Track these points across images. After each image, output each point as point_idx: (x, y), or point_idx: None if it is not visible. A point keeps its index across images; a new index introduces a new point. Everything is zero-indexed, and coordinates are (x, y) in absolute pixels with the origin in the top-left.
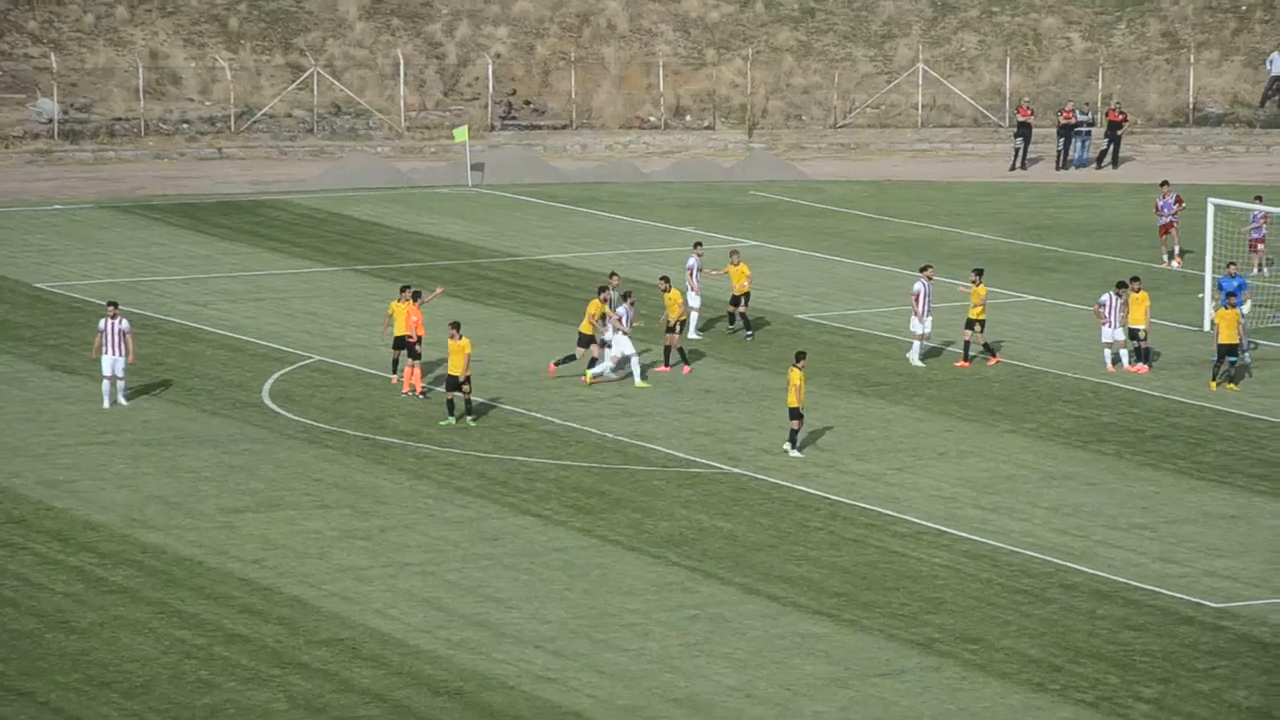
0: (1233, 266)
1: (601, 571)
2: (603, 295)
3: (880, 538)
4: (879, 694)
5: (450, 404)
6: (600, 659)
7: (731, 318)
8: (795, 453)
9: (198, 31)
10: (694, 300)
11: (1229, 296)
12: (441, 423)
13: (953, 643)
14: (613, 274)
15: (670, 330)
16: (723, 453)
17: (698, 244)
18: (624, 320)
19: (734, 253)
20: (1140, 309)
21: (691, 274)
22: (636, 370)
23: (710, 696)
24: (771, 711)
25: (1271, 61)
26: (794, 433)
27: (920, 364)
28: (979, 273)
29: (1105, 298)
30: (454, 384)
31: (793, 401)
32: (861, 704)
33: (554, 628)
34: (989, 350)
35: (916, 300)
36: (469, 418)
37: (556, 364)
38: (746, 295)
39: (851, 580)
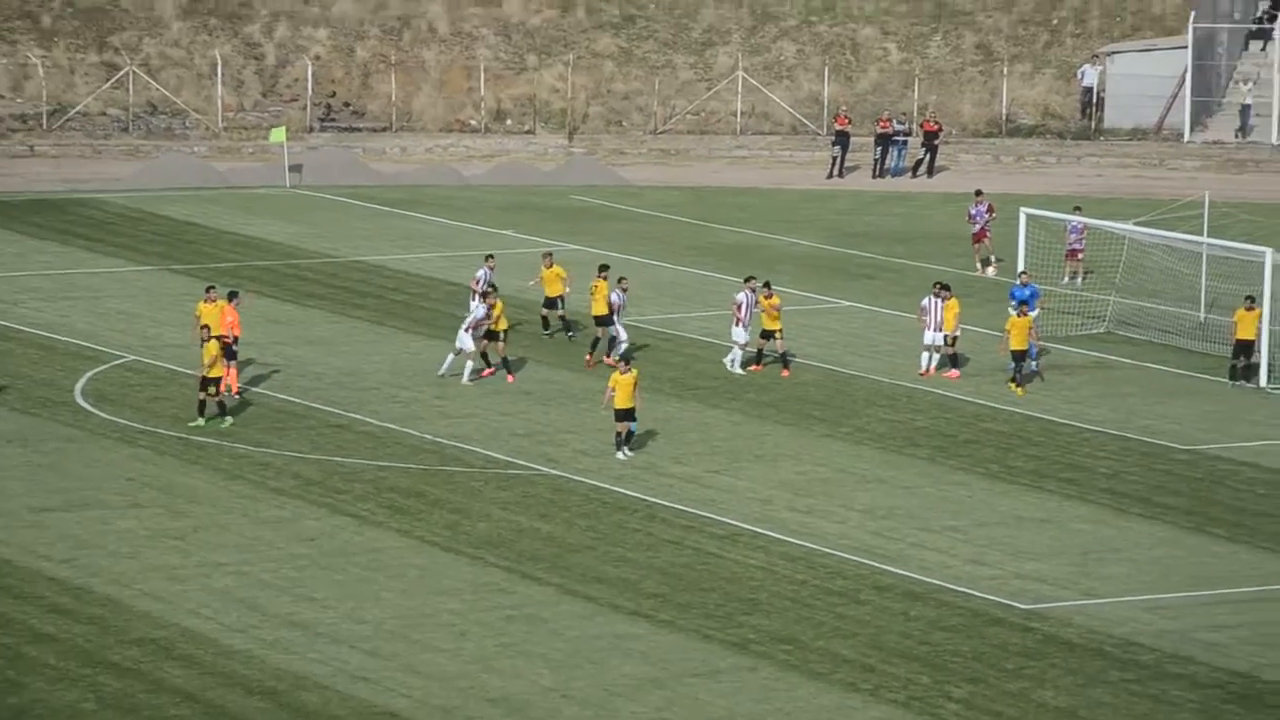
0: (1024, 275)
1: (419, 572)
2: (603, 274)
3: (697, 539)
4: (694, 694)
5: (202, 404)
6: (417, 659)
7: (545, 322)
8: (622, 455)
9: (9, 28)
10: (480, 312)
11: (1021, 305)
12: (190, 424)
13: (768, 643)
14: (489, 255)
15: (493, 338)
16: (541, 454)
17: (489, 256)
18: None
19: (547, 254)
20: (951, 315)
21: (477, 284)
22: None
23: (527, 696)
24: (587, 712)
25: (1083, 74)
26: (618, 435)
27: (740, 371)
28: (768, 285)
29: (926, 301)
30: (205, 384)
31: (622, 403)
32: (677, 704)
33: (370, 628)
34: (784, 360)
35: (739, 309)
36: (221, 419)
37: (591, 354)
38: (562, 297)
39: (668, 581)
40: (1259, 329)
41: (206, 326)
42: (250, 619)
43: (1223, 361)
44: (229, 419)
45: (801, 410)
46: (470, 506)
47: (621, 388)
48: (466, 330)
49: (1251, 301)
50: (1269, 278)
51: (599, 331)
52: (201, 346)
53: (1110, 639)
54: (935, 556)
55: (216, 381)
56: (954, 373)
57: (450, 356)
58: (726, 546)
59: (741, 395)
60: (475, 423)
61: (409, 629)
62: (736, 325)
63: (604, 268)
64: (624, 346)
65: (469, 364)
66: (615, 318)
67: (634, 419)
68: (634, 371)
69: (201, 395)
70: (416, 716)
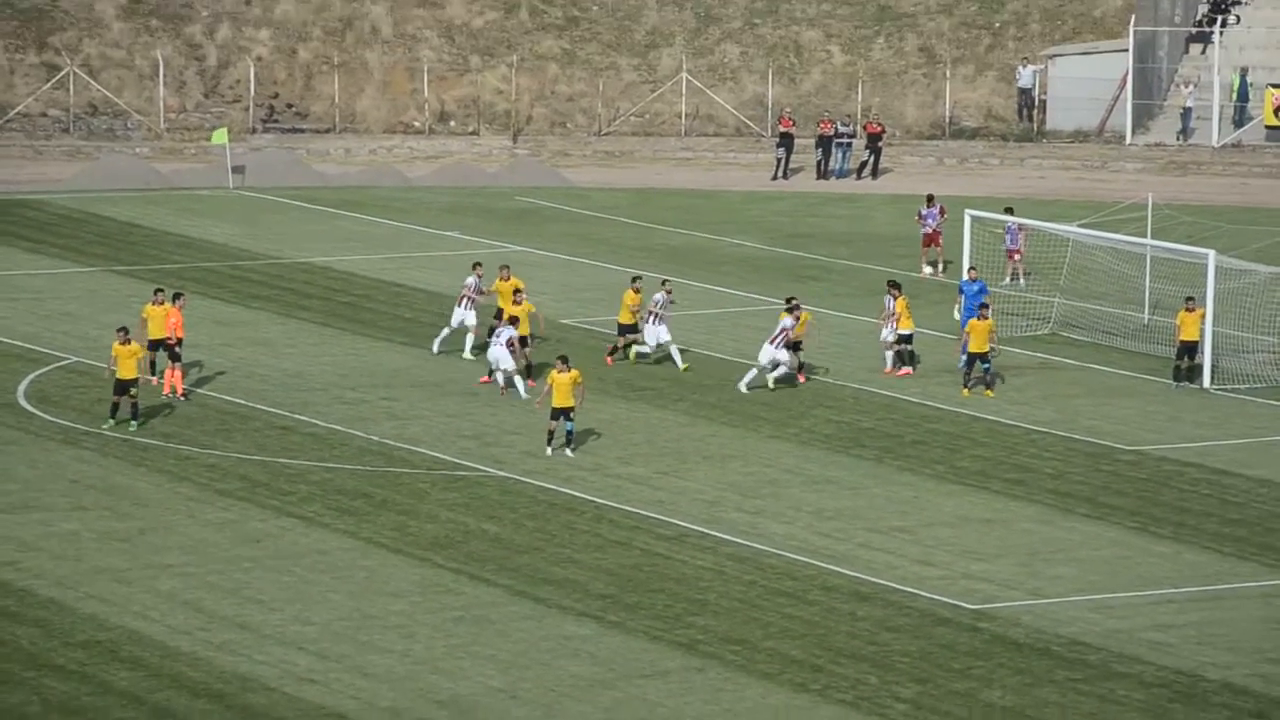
0: (973, 271)
1: (366, 573)
2: (635, 285)
3: (645, 540)
4: (643, 695)
5: (115, 406)
6: (364, 660)
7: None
8: (550, 451)
9: None
10: (470, 319)
11: (981, 308)
12: (104, 425)
13: (716, 644)
14: (477, 263)
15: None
16: (488, 455)
17: (477, 264)
18: (659, 305)
19: (503, 268)
20: (902, 312)
21: (470, 290)
22: (676, 355)
23: (475, 698)
24: (536, 713)
25: (1019, 75)
26: (550, 432)
27: (745, 390)
28: (795, 304)
29: (887, 299)
30: (124, 388)
31: (559, 402)
32: (626, 705)
33: (317, 629)
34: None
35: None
36: (133, 422)
37: (610, 355)
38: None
39: (616, 582)
40: (1201, 330)
41: (124, 329)
42: (197, 621)
43: (1166, 362)
44: (133, 423)
45: (749, 411)
46: (418, 508)
47: (559, 387)
48: (501, 345)
49: (1192, 302)
50: (1211, 279)
51: (619, 340)
52: (120, 346)
53: (1057, 639)
54: (883, 557)
55: (132, 383)
56: (905, 370)
57: (500, 377)
58: (674, 547)
59: (688, 396)
60: (422, 424)
61: (356, 630)
62: (771, 344)
63: (636, 279)
64: (675, 349)
65: (518, 379)
66: (651, 321)
67: (571, 418)
68: (573, 371)
69: (116, 398)
70: (364, 718)
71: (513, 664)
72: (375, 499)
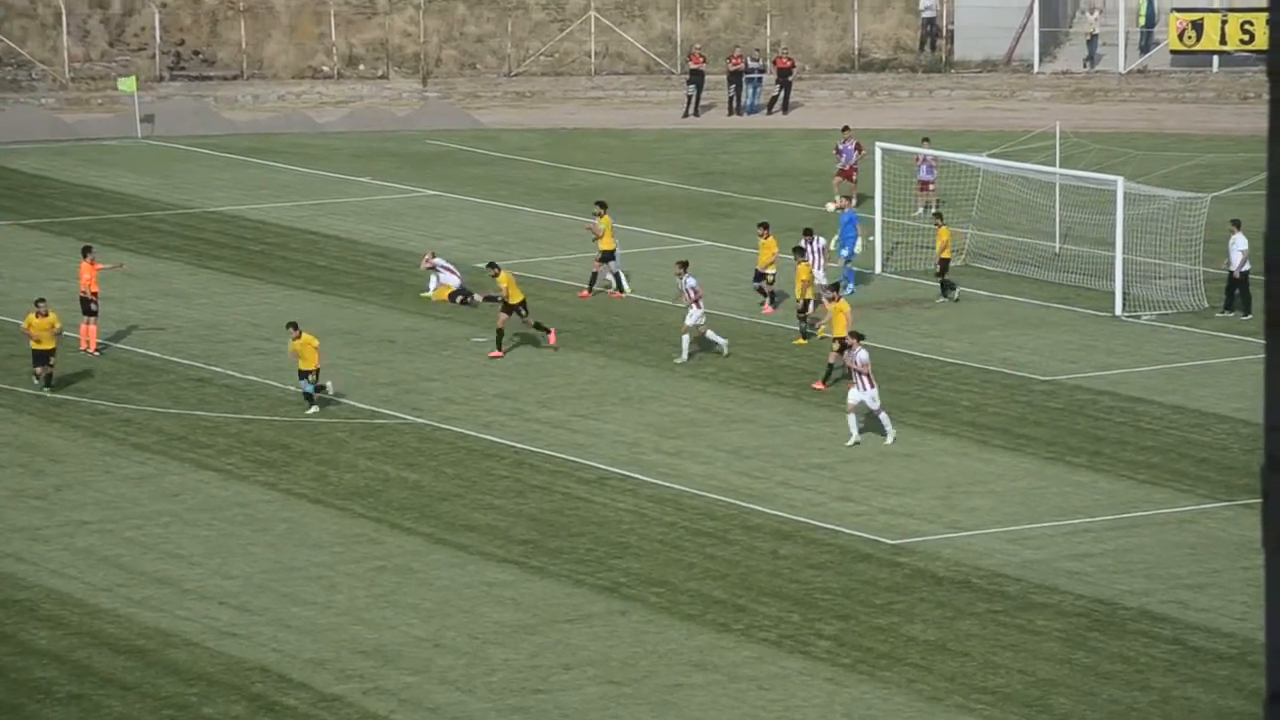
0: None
1: (286, 525)
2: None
3: (566, 484)
4: (567, 639)
5: (36, 375)
6: (286, 613)
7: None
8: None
9: None
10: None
11: (833, 289)
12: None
13: (639, 586)
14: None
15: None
16: (406, 403)
17: (764, 224)
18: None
19: (599, 203)
20: (767, 254)
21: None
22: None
23: (399, 647)
24: (460, 660)
25: (923, 4)
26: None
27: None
28: (764, 226)
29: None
30: (42, 358)
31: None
32: (550, 650)
33: (238, 583)
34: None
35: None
36: (46, 389)
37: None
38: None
39: (538, 527)
40: (946, 245)
41: (42, 300)
42: (116, 577)
43: (1079, 291)
44: (48, 389)
45: (666, 352)
46: (337, 457)
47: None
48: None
49: (940, 219)
50: (1120, 206)
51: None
52: (37, 319)
53: (976, 571)
54: (802, 494)
55: (51, 354)
56: (769, 309)
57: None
58: (595, 490)
59: (604, 338)
60: (339, 373)
61: (278, 583)
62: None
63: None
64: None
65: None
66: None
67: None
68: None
69: (37, 369)
70: (288, 670)
71: (436, 612)
72: (294, 449)
